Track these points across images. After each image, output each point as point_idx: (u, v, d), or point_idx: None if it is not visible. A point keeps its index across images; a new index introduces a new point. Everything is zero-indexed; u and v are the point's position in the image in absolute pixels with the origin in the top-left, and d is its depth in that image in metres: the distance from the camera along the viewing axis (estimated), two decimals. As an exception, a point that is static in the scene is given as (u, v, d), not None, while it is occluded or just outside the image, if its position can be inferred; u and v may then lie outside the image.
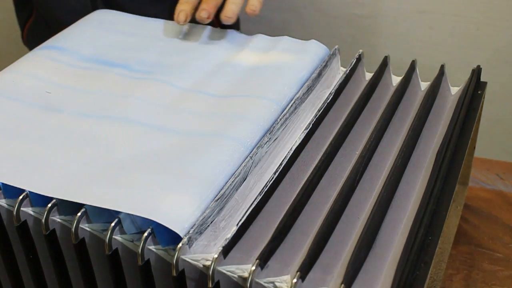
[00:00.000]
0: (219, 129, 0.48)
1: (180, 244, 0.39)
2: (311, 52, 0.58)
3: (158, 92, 0.53)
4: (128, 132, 0.48)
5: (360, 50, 0.57)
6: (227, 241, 0.39)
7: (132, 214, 0.41)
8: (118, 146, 0.47)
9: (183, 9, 0.61)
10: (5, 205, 0.44)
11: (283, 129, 0.49)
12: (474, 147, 0.58)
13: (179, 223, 0.40)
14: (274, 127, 0.48)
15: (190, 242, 0.39)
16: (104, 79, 0.55)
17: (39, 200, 0.43)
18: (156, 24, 0.64)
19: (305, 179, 0.44)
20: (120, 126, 0.49)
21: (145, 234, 0.40)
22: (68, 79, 0.55)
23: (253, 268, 0.37)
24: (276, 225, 0.41)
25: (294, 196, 0.43)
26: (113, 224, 0.41)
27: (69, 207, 0.42)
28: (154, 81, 0.55)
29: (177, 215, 0.40)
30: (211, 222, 0.41)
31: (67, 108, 0.51)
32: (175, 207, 0.41)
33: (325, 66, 0.56)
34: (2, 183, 0.44)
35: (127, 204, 0.41)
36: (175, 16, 0.61)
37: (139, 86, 0.54)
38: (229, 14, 0.60)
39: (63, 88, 0.54)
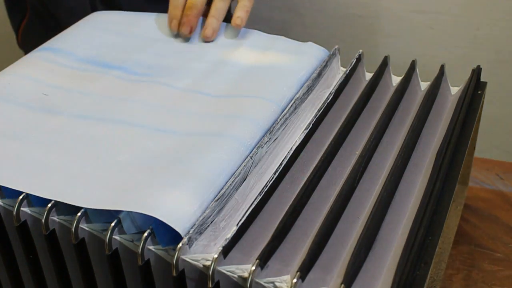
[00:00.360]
0: (219, 129, 0.48)
1: (180, 244, 0.39)
2: (308, 53, 0.58)
3: (157, 94, 0.53)
4: (128, 134, 0.48)
5: (360, 50, 0.57)
6: (227, 241, 0.39)
7: (132, 214, 0.41)
8: (118, 148, 0.47)
9: (174, 17, 0.62)
10: (5, 205, 0.44)
11: (283, 129, 0.49)
12: (474, 147, 0.58)
13: (180, 222, 0.40)
14: (274, 127, 0.48)
15: (190, 242, 0.39)
16: (102, 81, 0.55)
17: (39, 200, 0.43)
18: (153, 22, 0.64)
19: (305, 179, 0.44)
20: (119, 128, 0.49)
21: (145, 234, 0.40)
22: (66, 81, 0.55)
23: (253, 268, 0.37)
24: (276, 225, 0.41)
25: (294, 196, 0.43)
26: (113, 224, 0.41)
27: (69, 207, 0.42)
28: (152, 83, 0.55)
29: (178, 214, 0.40)
30: (211, 222, 0.41)
31: (65, 110, 0.51)
32: (176, 206, 0.41)
33: (325, 66, 0.56)
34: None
35: (128, 203, 0.41)
36: (168, 23, 0.62)
37: (137, 88, 0.54)
38: (208, 33, 0.61)
39: (61, 90, 0.54)
